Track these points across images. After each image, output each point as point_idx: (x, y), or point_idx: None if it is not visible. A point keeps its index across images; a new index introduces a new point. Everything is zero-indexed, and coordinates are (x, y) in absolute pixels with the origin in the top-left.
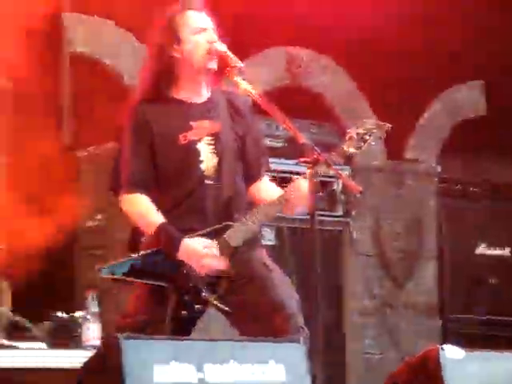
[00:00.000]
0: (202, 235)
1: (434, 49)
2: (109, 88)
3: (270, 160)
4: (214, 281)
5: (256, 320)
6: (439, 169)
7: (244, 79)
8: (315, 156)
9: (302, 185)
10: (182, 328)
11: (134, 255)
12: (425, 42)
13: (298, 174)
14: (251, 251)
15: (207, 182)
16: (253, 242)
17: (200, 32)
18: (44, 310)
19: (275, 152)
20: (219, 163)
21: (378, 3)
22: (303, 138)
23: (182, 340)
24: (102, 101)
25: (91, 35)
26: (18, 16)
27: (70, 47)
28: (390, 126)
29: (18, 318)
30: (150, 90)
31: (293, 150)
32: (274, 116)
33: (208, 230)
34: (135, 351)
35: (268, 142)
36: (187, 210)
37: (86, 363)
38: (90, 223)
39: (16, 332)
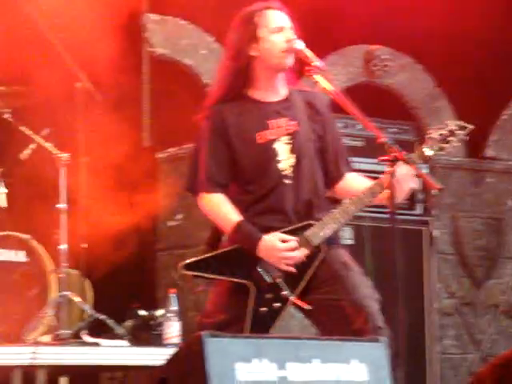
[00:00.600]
0: (283, 233)
1: None
2: (188, 89)
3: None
4: (293, 280)
5: (336, 319)
6: None
7: (323, 77)
8: (395, 154)
9: (399, 171)
10: (261, 326)
11: (214, 252)
12: (505, 39)
13: (378, 173)
14: (331, 250)
15: (286, 181)
16: (333, 240)
17: (278, 31)
18: (126, 308)
19: (355, 151)
20: (297, 162)
21: (460, 3)
22: (383, 137)
23: (264, 338)
24: (182, 102)
25: (170, 36)
26: (100, 17)
27: (149, 48)
28: (473, 127)
29: (100, 316)
30: (227, 89)
31: (373, 148)
32: (354, 115)
33: (289, 228)
34: (218, 349)
35: (347, 141)
36: (266, 209)
37: (168, 360)
38: (170, 223)
39: (99, 330)
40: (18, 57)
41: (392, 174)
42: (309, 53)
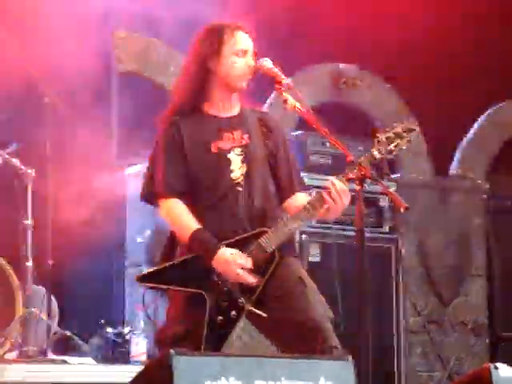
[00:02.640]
0: (237, 241)
1: (484, 64)
2: (158, 104)
3: (317, 176)
4: (249, 288)
5: (291, 336)
6: (487, 185)
7: (292, 95)
8: (362, 173)
9: (336, 183)
10: (218, 335)
11: (169, 263)
12: (475, 57)
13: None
14: (287, 261)
15: (238, 188)
16: (288, 251)
17: (241, 55)
18: (93, 325)
19: (323, 169)
20: (249, 172)
21: (427, 19)
22: (351, 155)
23: (232, 356)
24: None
25: (139, 53)
26: (71, 31)
27: (119, 65)
28: (418, 129)
29: (67, 333)
30: (184, 102)
31: (340, 166)
32: (322, 132)
33: (243, 235)
34: (185, 367)
35: (315, 158)
36: (220, 216)
37: (135, 378)
38: (139, 239)
39: (65, 347)
40: None
41: (361, 192)
42: (277, 70)
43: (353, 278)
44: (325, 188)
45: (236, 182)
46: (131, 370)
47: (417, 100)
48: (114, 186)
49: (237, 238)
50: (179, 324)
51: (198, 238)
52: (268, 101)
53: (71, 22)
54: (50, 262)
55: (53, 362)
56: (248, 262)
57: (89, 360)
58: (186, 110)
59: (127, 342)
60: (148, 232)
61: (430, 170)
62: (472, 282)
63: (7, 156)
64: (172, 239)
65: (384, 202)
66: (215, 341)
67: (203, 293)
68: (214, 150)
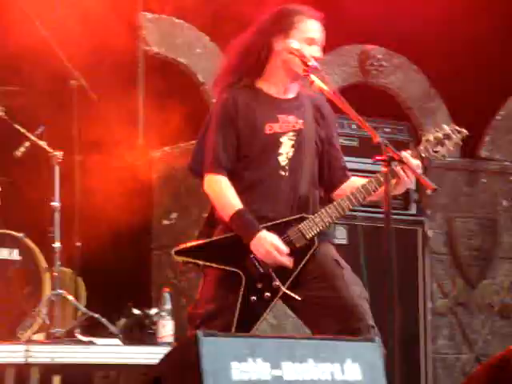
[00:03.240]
0: (277, 224)
1: None
2: (183, 87)
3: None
4: (285, 272)
5: (326, 317)
6: None
7: (319, 77)
8: (390, 154)
9: (408, 157)
10: (250, 315)
11: (208, 239)
12: (502, 39)
13: (372, 172)
14: (323, 246)
15: (282, 173)
16: (325, 236)
17: (309, 42)
18: (120, 306)
19: (349, 151)
20: (297, 157)
21: (454, 4)
22: (378, 137)
23: (259, 337)
24: (177, 101)
25: (166, 35)
26: (96, 15)
27: (145, 47)
28: (467, 132)
29: (94, 315)
30: (240, 74)
31: (367, 148)
32: (349, 114)
33: (284, 219)
34: (213, 348)
35: (342, 140)
36: (259, 197)
37: (163, 360)
38: (165, 222)
39: (92, 328)
40: (13, 55)
41: (389, 174)
42: (304, 52)
43: (379, 261)
44: (399, 162)
45: (282, 165)
46: (158, 352)
47: (444, 81)
48: (140, 169)
49: (277, 221)
50: (212, 302)
51: (239, 218)
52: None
53: (99, 4)
54: (78, 244)
55: (80, 343)
56: (285, 247)
57: (116, 341)
58: (242, 84)
59: (154, 323)
60: (174, 214)
61: (458, 152)
62: (499, 264)
63: (35, 138)
64: (212, 215)
65: (411, 184)
66: (246, 321)
67: (240, 272)
68: (267, 131)
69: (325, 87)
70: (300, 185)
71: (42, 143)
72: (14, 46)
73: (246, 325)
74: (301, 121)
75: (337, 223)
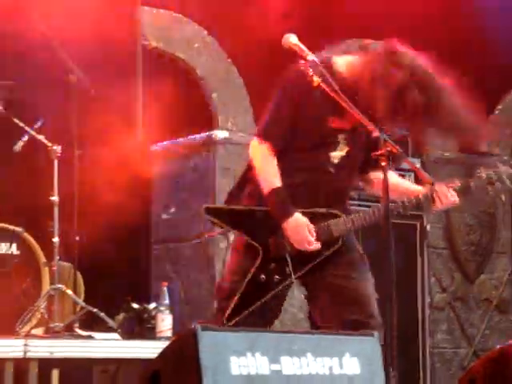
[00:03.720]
0: (311, 213)
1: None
2: (181, 82)
3: None
4: (302, 261)
5: (337, 305)
6: None
7: (317, 71)
8: (389, 149)
9: (439, 189)
10: (254, 293)
11: (240, 207)
12: (501, 28)
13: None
14: (349, 237)
15: (330, 169)
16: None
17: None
18: (119, 301)
19: None
20: (346, 156)
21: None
22: (377, 131)
23: (257, 331)
24: (175, 95)
25: (164, 29)
26: (95, 9)
27: (143, 41)
28: None
29: (93, 309)
30: (322, 59)
31: None
32: (347, 108)
33: (319, 210)
34: (211, 342)
35: None
36: (300, 185)
37: (162, 353)
38: (164, 216)
39: (91, 323)
40: (11, 49)
41: (387, 167)
42: (302, 47)
43: (378, 255)
44: (439, 191)
45: (331, 161)
46: (157, 346)
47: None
48: (139, 163)
49: (312, 210)
50: (233, 276)
51: (278, 195)
52: None
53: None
54: (77, 238)
55: (79, 337)
56: (315, 233)
57: (115, 336)
58: (321, 68)
59: (153, 317)
60: (173, 209)
61: (456, 146)
62: (497, 259)
63: (33, 132)
64: (244, 177)
65: (410, 179)
66: (248, 298)
67: (259, 248)
68: (331, 124)
69: (322, 81)
70: (341, 182)
71: (41, 137)
72: (11, 39)
73: (247, 302)
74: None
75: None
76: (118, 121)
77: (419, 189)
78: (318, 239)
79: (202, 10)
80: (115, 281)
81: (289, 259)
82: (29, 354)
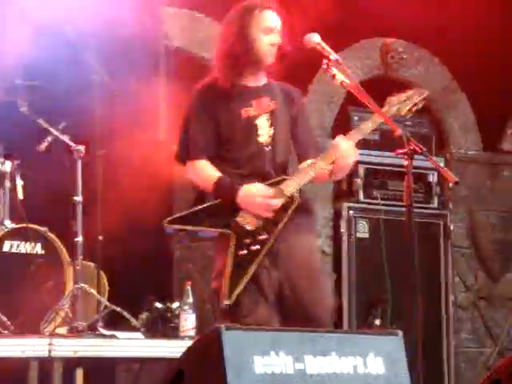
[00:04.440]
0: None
1: None
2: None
3: (366, 152)
4: (271, 225)
5: (304, 278)
6: None
7: (340, 70)
8: (412, 147)
9: (342, 144)
10: (241, 269)
11: (195, 208)
12: None
13: (394, 166)
14: (305, 237)
15: (265, 148)
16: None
17: (267, 32)
18: (142, 300)
19: (370, 144)
20: (275, 134)
21: None
22: (399, 130)
23: (282, 331)
24: None
25: (187, 29)
26: (117, 10)
27: (166, 41)
28: (427, 92)
29: (116, 308)
30: (222, 76)
31: (389, 142)
32: (370, 107)
33: (267, 182)
34: (235, 342)
35: None
36: (249, 173)
37: (186, 353)
38: None
39: (115, 322)
40: (35, 49)
41: (410, 167)
42: (325, 46)
43: (401, 255)
44: (332, 147)
45: (264, 144)
46: (180, 345)
47: (466, 74)
48: (161, 163)
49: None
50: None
51: (221, 182)
52: (316, 76)
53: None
54: (100, 238)
55: (103, 336)
56: (269, 191)
57: (138, 335)
58: (220, 81)
59: (176, 316)
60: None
61: (480, 145)
62: None
63: (58, 133)
64: (199, 193)
65: (433, 178)
66: (236, 275)
67: (228, 231)
68: (244, 115)
69: (346, 80)
70: (279, 156)
71: (65, 138)
72: (35, 40)
73: (236, 278)
74: (273, 101)
75: (358, 217)
76: (140, 120)
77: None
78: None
79: (224, 9)
80: (139, 280)
81: (259, 229)
82: (53, 353)
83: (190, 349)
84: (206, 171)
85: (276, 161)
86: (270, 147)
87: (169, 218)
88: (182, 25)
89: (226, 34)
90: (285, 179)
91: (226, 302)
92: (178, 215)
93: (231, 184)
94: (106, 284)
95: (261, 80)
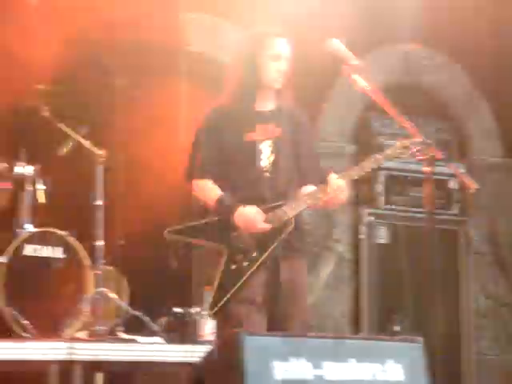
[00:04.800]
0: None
1: None
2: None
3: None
4: (263, 246)
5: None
6: None
7: (361, 76)
8: (433, 154)
9: (336, 181)
10: (228, 281)
11: (195, 222)
12: None
13: (414, 172)
14: (297, 264)
15: (266, 174)
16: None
17: (275, 59)
18: (161, 305)
19: None
20: (276, 160)
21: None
22: (419, 136)
23: (301, 337)
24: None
25: (208, 35)
26: (138, 16)
27: (187, 46)
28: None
29: (136, 313)
30: (231, 101)
31: None
32: (391, 113)
33: (265, 206)
34: (256, 347)
35: (383, 139)
36: (248, 197)
37: (205, 357)
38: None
39: (134, 326)
40: (56, 54)
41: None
42: (346, 52)
43: (421, 261)
44: (327, 183)
45: (264, 169)
46: (199, 350)
47: (487, 80)
48: (181, 166)
49: (262, 207)
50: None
51: (221, 200)
52: (336, 81)
53: (144, 3)
54: (121, 243)
55: (123, 341)
56: (263, 216)
57: (157, 340)
58: (227, 105)
59: (195, 321)
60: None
61: (501, 151)
62: None
63: (79, 137)
64: (202, 212)
65: (453, 184)
66: (224, 286)
67: (223, 246)
68: (247, 139)
69: (366, 86)
70: (280, 184)
71: (86, 142)
72: (57, 45)
73: (224, 289)
74: (278, 129)
75: (378, 223)
76: (161, 126)
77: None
78: (267, 223)
79: (246, 14)
80: (158, 285)
81: (251, 247)
82: (73, 357)
83: (209, 354)
84: (210, 190)
85: (275, 187)
86: (270, 173)
87: (169, 229)
88: (203, 30)
89: (236, 59)
90: (281, 205)
91: (210, 312)
92: (178, 227)
93: (230, 203)
94: (127, 288)
95: (269, 105)
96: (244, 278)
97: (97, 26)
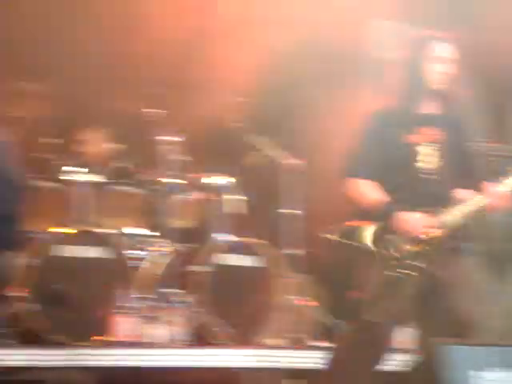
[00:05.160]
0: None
1: None
2: None
3: None
4: (416, 254)
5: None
6: None
7: None
8: None
9: (495, 189)
10: (390, 290)
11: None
12: None
13: None
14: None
15: (424, 176)
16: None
17: (437, 61)
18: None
19: None
20: (436, 164)
21: None
22: None
23: (496, 346)
24: None
25: (390, 39)
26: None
27: (370, 51)
28: None
29: (329, 321)
30: (394, 100)
31: None
32: None
33: (424, 210)
34: (459, 357)
35: None
36: (404, 198)
37: (409, 367)
38: None
39: (329, 334)
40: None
41: None
42: None
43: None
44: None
45: (423, 171)
46: (399, 359)
47: None
48: None
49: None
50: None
51: (381, 204)
52: None
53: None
54: (305, 251)
55: (316, 349)
56: (423, 218)
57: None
58: (393, 108)
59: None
60: None
61: None
62: None
63: (265, 148)
64: (358, 211)
65: None
66: (388, 296)
67: (375, 249)
68: (407, 141)
69: None
70: (436, 186)
71: (277, 152)
72: (257, 58)
73: (378, 297)
74: (439, 132)
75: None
76: (343, 132)
77: None
78: (431, 228)
79: (432, 17)
80: (345, 291)
81: (405, 253)
82: (262, 364)
83: (413, 364)
84: (368, 191)
85: (435, 190)
86: (429, 175)
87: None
88: (386, 36)
89: (401, 62)
90: (442, 209)
91: (367, 318)
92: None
93: (388, 207)
94: (320, 296)
95: (433, 108)
96: (401, 288)
97: (289, 39)
